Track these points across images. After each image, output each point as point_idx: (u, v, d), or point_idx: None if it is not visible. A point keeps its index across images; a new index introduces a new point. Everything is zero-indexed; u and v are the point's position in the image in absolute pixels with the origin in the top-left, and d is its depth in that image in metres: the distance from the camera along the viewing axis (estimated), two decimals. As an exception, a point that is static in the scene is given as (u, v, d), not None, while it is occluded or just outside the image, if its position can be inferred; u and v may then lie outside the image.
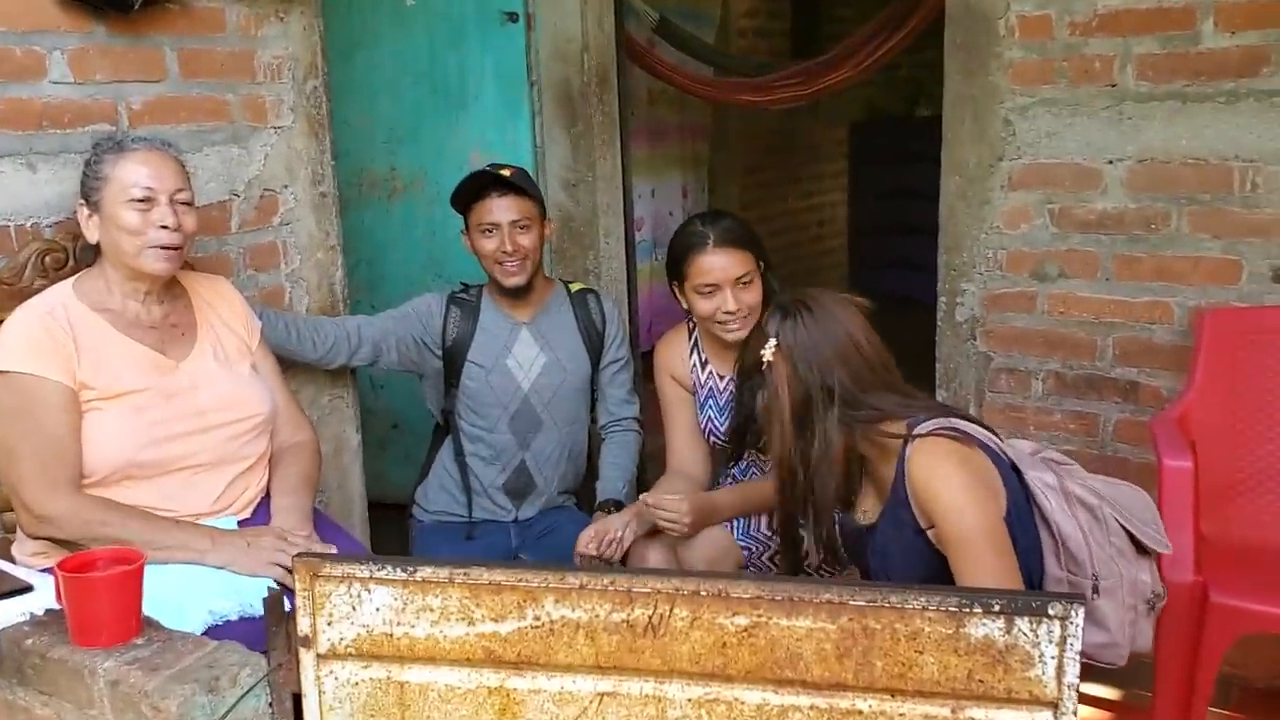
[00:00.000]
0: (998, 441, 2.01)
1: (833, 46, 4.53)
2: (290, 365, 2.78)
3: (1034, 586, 1.94)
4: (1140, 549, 2.03)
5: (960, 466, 1.90)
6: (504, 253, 2.80)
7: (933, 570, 1.98)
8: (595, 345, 2.99)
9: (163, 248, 2.14)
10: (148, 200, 2.13)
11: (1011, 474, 1.99)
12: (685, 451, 2.77)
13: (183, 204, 2.18)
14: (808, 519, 2.11)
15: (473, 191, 2.82)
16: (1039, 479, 2.00)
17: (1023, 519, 1.95)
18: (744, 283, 2.55)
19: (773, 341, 2.04)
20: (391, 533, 3.31)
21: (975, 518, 1.87)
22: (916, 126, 7.03)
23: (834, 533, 2.14)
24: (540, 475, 2.99)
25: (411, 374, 3.06)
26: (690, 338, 2.77)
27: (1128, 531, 2.01)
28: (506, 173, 2.82)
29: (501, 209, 2.80)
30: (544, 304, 2.97)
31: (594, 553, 2.52)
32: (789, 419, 2.02)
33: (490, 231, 2.80)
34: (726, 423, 2.70)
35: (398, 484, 3.43)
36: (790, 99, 4.74)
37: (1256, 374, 2.76)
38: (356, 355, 2.88)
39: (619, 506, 2.86)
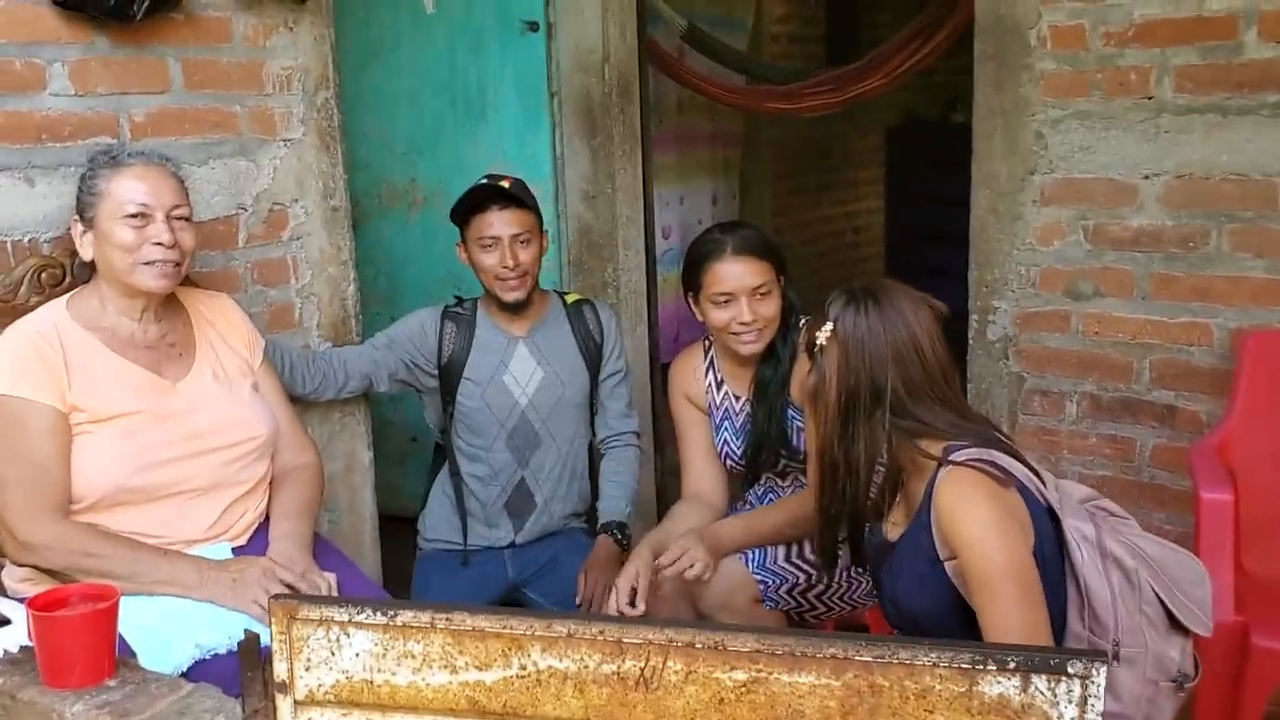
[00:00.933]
0: (1039, 484, 1.89)
1: (869, 53, 4.44)
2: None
3: (1054, 638, 1.83)
4: (1175, 625, 1.88)
5: (989, 502, 1.79)
6: (505, 267, 2.72)
7: (940, 604, 1.88)
8: (594, 357, 2.91)
9: (158, 264, 2.09)
10: (143, 216, 2.07)
11: (1046, 520, 1.86)
12: (701, 475, 2.68)
13: (180, 220, 2.12)
14: (843, 517, 2.01)
15: (471, 204, 2.74)
16: (1077, 529, 1.87)
17: (1048, 569, 1.84)
18: (761, 293, 2.47)
19: (829, 325, 1.93)
20: (408, 549, 3.25)
21: (1003, 556, 1.76)
22: (953, 132, 6.91)
23: (862, 537, 2.05)
24: (540, 493, 2.90)
25: (407, 390, 2.99)
26: (706, 357, 2.68)
27: (1164, 604, 1.87)
28: (505, 184, 2.75)
29: (502, 222, 2.72)
30: (541, 317, 2.89)
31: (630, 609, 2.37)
32: (833, 410, 1.92)
33: (491, 245, 2.73)
34: (742, 445, 2.61)
35: (416, 499, 3.37)
36: (821, 107, 4.65)
37: (1301, 400, 2.64)
38: (345, 389, 2.81)
39: (622, 529, 2.80)
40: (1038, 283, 3.08)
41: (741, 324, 2.46)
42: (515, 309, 2.82)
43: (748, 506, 2.73)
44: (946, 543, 1.83)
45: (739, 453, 2.63)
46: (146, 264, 2.08)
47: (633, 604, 2.33)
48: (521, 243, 2.73)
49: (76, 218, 2.12)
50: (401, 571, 3.10)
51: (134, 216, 2.07)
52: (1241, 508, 2.40)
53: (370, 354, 2.84)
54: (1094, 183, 2.94)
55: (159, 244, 2.07)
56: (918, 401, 1.90)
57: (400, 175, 4.03)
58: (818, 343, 1.94)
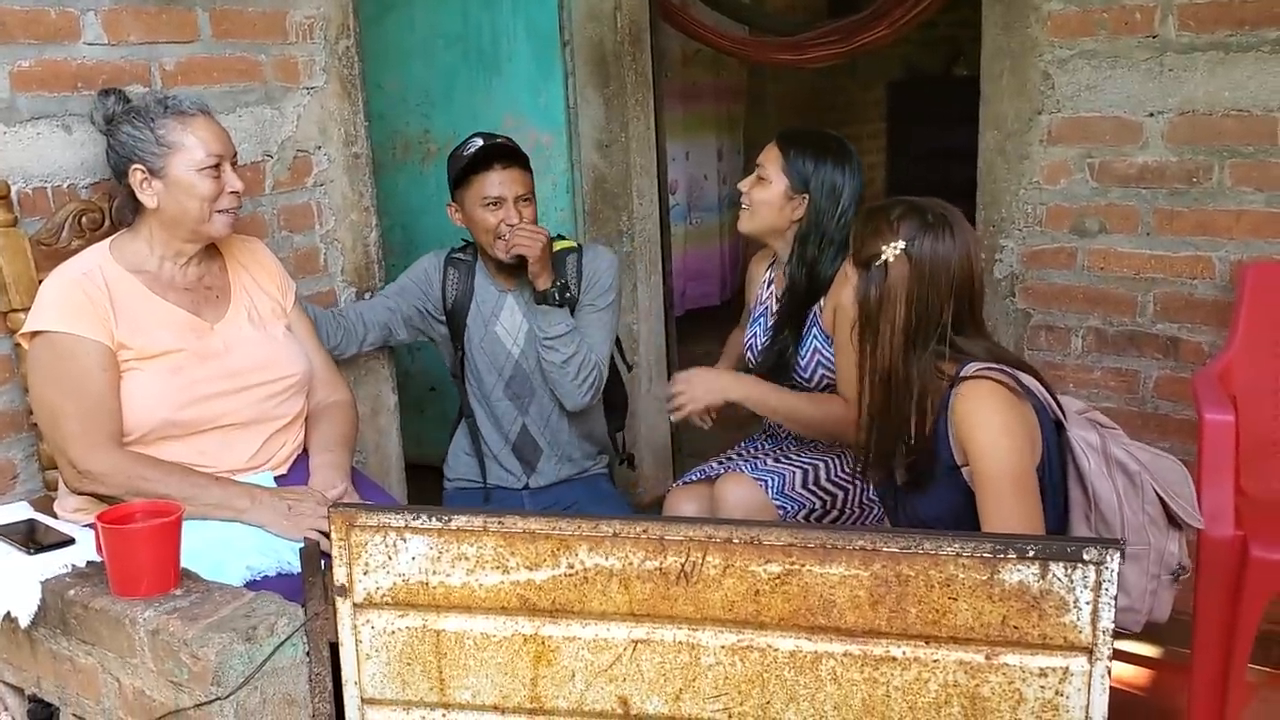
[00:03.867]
0: (1048, 397, 1.98)
1: (870, 5, 4.48)
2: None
3: None
4: (1172, 522, 2.00)
5: (1005, 410, 1.88)
6: (508, 225, 2.73)
7: (953, 511, 1.97)
8: (572, 305, 2.84)
9: (230, 212, 2.20)
10: (218, 166, 2.16)
11: (1053, 430, 1.97)
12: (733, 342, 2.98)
13: (235, 165, 2.22)
14: (901, 433, 2.01)
15: (472, 162, 2.74)
16: (1082, 438, 1.97)
17: (1054, 477, 1.94)
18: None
19: (900, 244, 1.93)
20: (429, 494, 3.32)
21: (1010, 460, 1.86)
22: (955, 86, 6.94)
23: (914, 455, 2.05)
24: (543, 438, 2.96)
25: (426, 340, 3.04)
26: (773, 257, 2.79)
27: (1163, 502, 1.97)
28: (502, 141, 2.77)
29: (508, 182, 2.74)
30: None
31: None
32: (900, 329, 1.94)
33: (494, 205, 2.74)
34: (765, 343, 2.72)
35: (435, 445, 3.44)
36: (827, 58, 4.68)
37: (1300, 329, 2.72)
38: (366, 342, 2.86)
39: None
40: (1044, 220, 3.15)
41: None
42: (514, 268, 2.82)
43: (765, 439, 2.82)
44: (963, 448, 1.91)
45: (760, 347, 2.74)
46: (220, 211, 2.18)
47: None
48: (525, 202, 2.75)
49: (139, 166, 2.15)
50: (424, 513, 3.18)
51: (213, 167, 2.15)
52: (1241, 431, 2.49)
53: (383, 303, 2.90)
54: (1100, 121, 3.00)
55: (234, 191, 2.18)
56: (964, 332, 1.96)
57: (414, 127, 4.08)
58: (883, 257, 1.95)
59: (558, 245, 2.91)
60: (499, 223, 2.74)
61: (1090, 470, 1.94)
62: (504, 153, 2.76)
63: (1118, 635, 1.88)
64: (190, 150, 2.13)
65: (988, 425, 1.87)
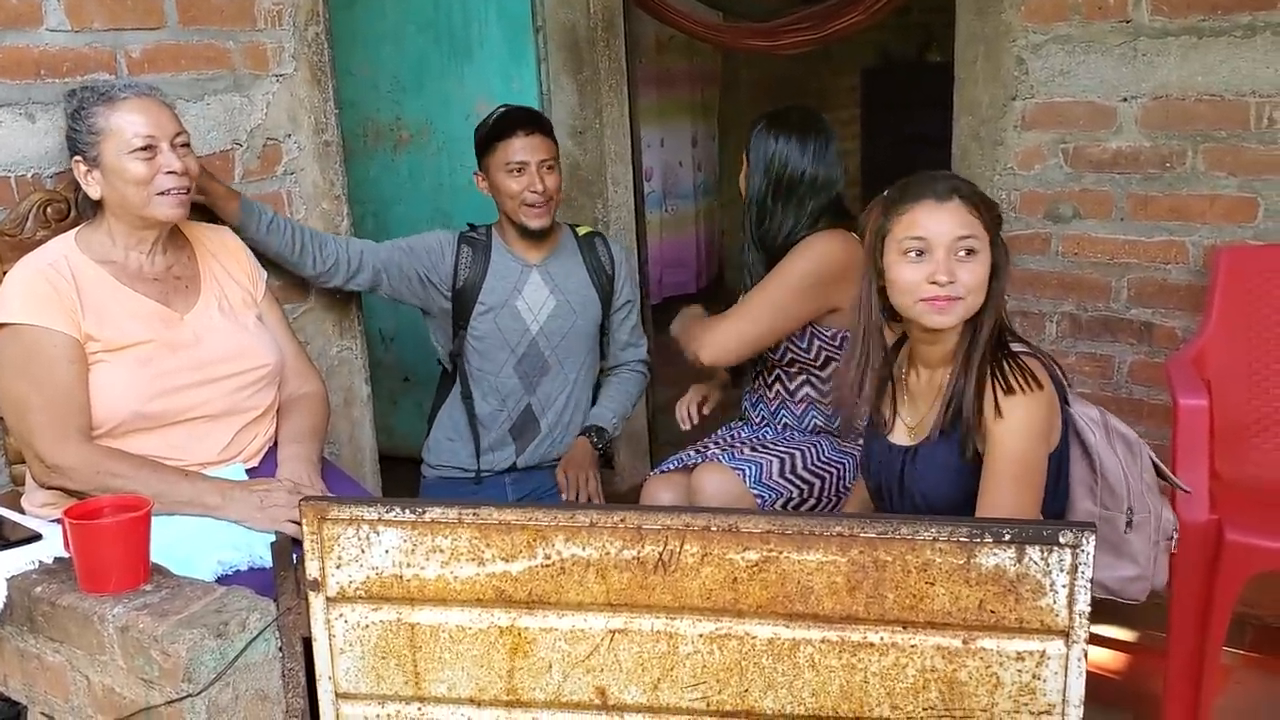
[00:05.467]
0: (1062, 380, 2.00)
1: (847, -10, 4.46)
2: (300, 317, 2.78)
3: None
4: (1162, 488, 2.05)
5: (1034, 401, 1.88)
6: (533, 192, 2.79)
7: (968, 497, 1.95)
8: (605, 288, 3.00)
9: (172, 193, 2.13)
10: (150, 148, 2.11)
11: (1067, 410, 2.00)
12: None
13: (183, 146, 2.17)
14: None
15: (498, 130, 2.81)
16: (1084, 414, 2.02)
17: (1061, 456, 1.96)
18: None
19: (879, 202, 2.09)
20: (404, 486, 3.31)
21: (1018, 446, 1.86)
22: (929, 72, 6.94)
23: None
24: (544, 419, 2.98)
25: (415, 308, 3.02)
26: None
27: (1156, 469, 2.02)
28: (523, 108, 2.84)
29: (531, 148, 2.79)
30: (555, 247, 2.96)
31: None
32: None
33: (518, 171, 2.79)
34: None
35: (409, 437, 3.43)
36: (800, 44, 4.65)
37: (1272, 313, 2.73)
38: (354, 279, 2.82)
39: (600, 434, 2.93)
40: (1018, 206, 3.14)
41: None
42: (536, 236, 2.88)
43: (749, 399, 2.84)
44: (986, 426, 1.90)
45: None
46: (161, 194, 2.12)
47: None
48: (547, 169, 2.81)
49: (78, 158, 2.13)
50: (398, 506, 3.16)
51: (143, 149, 2.10)
52: (1215, 416, 2.50)
53: (386, 252, 2.87)
54: (1073, 106, 3.00)
55: (171, 172, 2.11)
56: None
57: (385, 114, 4.05)
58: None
59: (582, 230, 3.06)
60: (523, 189, 2.79)
61: (1095, 442, 1.99)
62: (527, 119, 2.82)
63: (1115, 611, 1.91)
64: (117, 134, 2.09)
65: (1014, 409, 1.87)
